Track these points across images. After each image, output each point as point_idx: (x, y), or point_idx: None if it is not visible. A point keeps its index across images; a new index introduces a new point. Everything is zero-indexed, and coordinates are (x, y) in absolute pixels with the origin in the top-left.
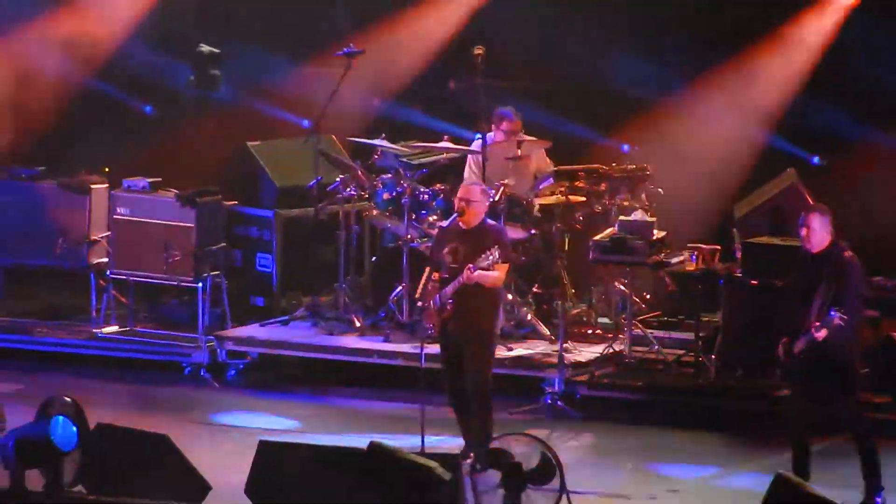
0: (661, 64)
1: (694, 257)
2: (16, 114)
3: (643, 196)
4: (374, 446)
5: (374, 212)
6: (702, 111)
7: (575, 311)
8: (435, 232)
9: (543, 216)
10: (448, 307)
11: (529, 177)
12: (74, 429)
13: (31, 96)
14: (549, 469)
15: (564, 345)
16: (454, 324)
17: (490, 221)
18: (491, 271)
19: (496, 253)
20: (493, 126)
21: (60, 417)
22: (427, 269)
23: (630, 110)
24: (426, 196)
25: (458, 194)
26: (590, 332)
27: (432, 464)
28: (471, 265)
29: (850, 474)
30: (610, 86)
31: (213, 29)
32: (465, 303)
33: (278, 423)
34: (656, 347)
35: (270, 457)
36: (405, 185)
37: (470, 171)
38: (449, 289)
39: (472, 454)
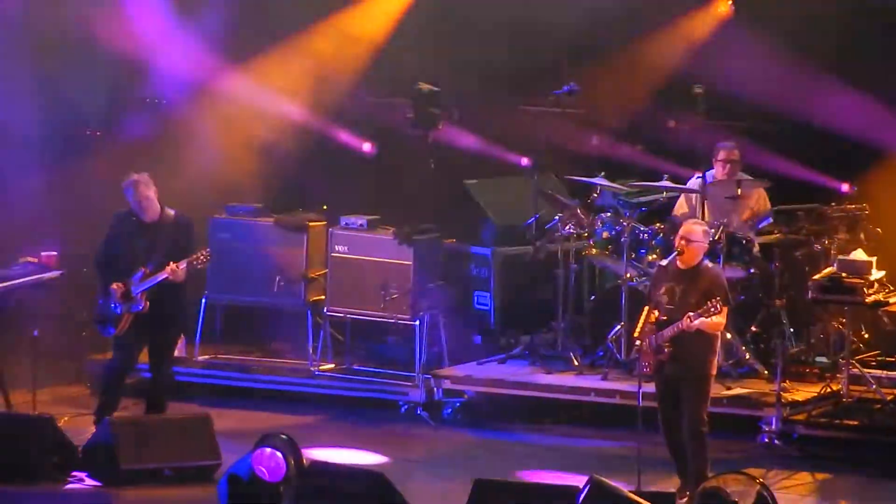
0: (884, 104)
1: None
2: (246, 152)
3: (862, 235)
4: (592, 482)
5: (593, 250)
6: None
7: (793, 351)
8: (654, 271)
9: (763, 255)
10: (665, 350)
11: (748, 216)
12: (280, 455)
13: (258, 134)
14: None
15: (782, 384)
16: (671, 365)
17: (708, 263)
18: (711, 317)
19: (718, 302)
20: (712, 161)
21: (268, 448)
22: (645, 308)
23: (850, 149)
24: (645, 235)
25: (679, 233)
26: (808, 371)
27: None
28: (691, 313)
29: None
30: (829, 125)
31: (433, 67)
32: (683, 345)
33: (494, 461)
34: (874, 387)
35: (486, 495)
36: (624, 223)
37: (681, 208)
38: (667, 332)
39: (688, 493)
